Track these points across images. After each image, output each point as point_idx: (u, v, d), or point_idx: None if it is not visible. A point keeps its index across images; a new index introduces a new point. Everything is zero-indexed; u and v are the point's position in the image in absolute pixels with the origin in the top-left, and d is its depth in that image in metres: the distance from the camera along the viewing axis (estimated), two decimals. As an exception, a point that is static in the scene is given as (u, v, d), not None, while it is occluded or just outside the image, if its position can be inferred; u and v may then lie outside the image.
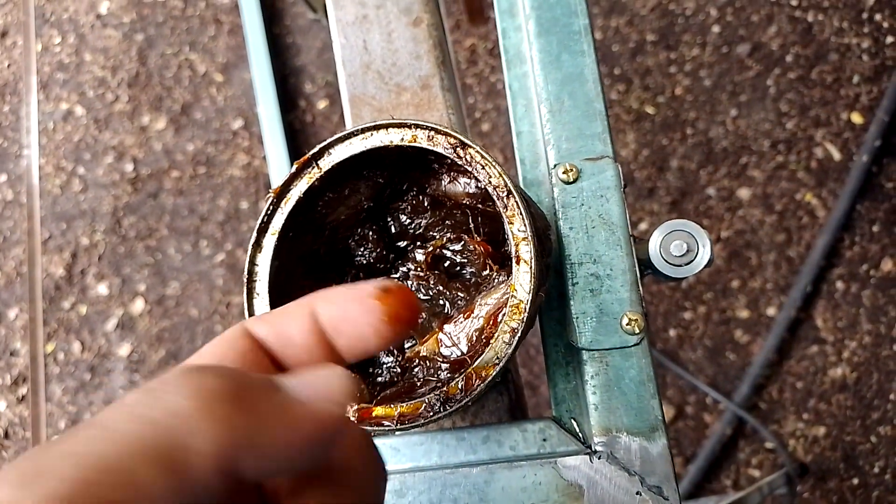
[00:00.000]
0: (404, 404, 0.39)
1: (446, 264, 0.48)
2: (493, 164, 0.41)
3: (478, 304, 0.44)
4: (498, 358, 0.39)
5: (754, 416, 1.52)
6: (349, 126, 0.45)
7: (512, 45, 0.54)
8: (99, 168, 2.00)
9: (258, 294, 0.44)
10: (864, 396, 1.50)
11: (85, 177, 2.00)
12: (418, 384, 0.43)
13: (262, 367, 0.30)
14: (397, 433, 0.48)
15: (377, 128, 0.44)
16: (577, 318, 0.43)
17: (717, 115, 1.71)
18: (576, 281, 0.44)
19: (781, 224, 1.61)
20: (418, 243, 0.49)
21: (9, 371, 1.90)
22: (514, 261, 0.40)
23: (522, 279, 0.39)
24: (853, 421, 1.49)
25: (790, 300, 1.55)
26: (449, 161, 0.45)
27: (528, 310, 0.39)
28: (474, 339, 0.43)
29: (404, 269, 0.48)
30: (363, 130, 0.44)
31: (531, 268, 0.39)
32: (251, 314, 0.43)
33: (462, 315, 0.44)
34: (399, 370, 0.44)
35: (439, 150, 0.42)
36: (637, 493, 0.41)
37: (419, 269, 0.48)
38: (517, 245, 0.40)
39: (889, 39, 1.67)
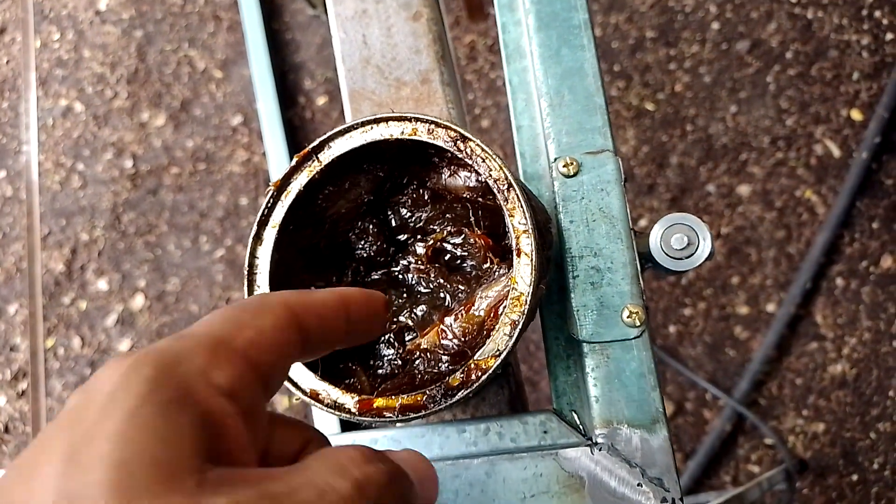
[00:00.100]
0: (405, 396, 0.40)
1: (447, 257, 0.48)
2: (494, 157, 0.41)
3: (478, 296, 0.44)
4: (499, 350, 0.39)
5: (754, 412, 1.52)
6: (349, 121, 0.45)
7: (512, 39, 0.54)
8: (98, 164, 2.00)
9: (258, 287, 0.44)
10: (863, 393, 1.50)
11: (84, 173, 2.00)
12: (419, 376, 0.43)
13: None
14: (398, 425, 0.48)
15: (377, 121, 0.44)
16: (578, 310, 0.44)
17: (717, 111, 1.71)
18: (576, 274, 0.44)
19: (781, 221, 1.62)
20: (419, 237, 0.49)
21: (9, 366, 1.90)
22: (514, 253, 0.40)
23: (523, 272, 0.40)
24: (852, 417, 1.49)
25: (790, 297, 1.55)
26: (449, 155, 0.45)
27: (529, 302, 0.39)
28: (475, 331, 0.43)
29: (404, 262, 0.48)
30: (363, 124, 0.44)
31: (532, 260, 0.39)
32: None
33: (463, 308, 0.44)
34: (400, 362, 0.45)
35: (439, 143, 0.42)
36: (638, 485, 0.41)
37: (419, 262, 0.48)
38: (518, 238, 0.40)
39: (889, 36, 1.67)
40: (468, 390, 0.39)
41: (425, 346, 0.44)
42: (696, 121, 1.71)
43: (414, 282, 0.47)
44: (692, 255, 0.45)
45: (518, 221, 0.40)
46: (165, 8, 2.10)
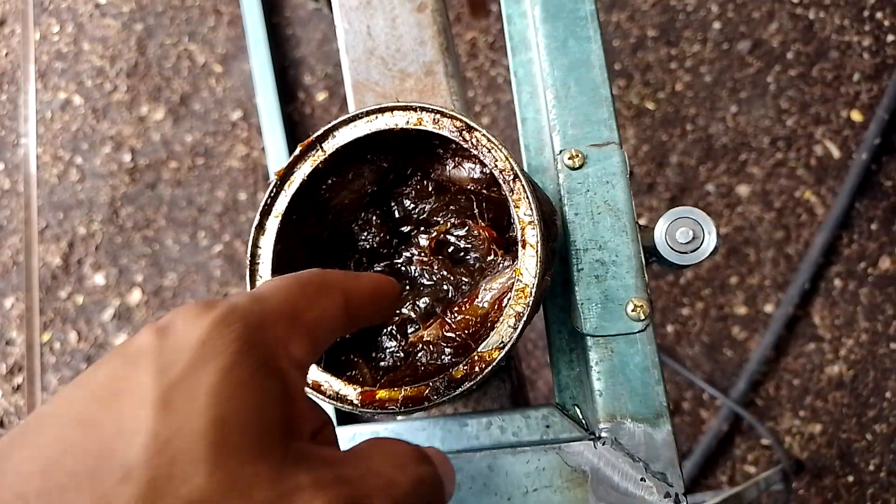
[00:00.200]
0: (409, 388, 0.39)
1: (450, 249, 0.47)
2: (500, 147, 0.41)
3: (482, 288, 0.44)
4: (503, 342, 0.39)
5: (751, 412, 1.52)
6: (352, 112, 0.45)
7: (517, 31, 0.54)
8: (97, 158, 1.99)
9: (261, 277, 0.44)
10: (860, 394, 1.50)
11: (82, 167, 1.99)
12: (422, 369, 0.43)
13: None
14: (399, 417, 0.48)
15: (382, 111, 0.44)
16: (582, 304, 0.43)
17: (718, 111, 1.71)
18: (581, 267, 0.44)
19: (780, 221, 1.61)
20: (422, 228, 0.48)
21: (4, 360, 1.89)
22: (520, 245, 0.40)
23: (528, 263, 0.39)
24: (849, 418, 1.49)
25: (788, 297, 1.55)
26: (454, 146, 0.45)
27: (533, 294, 0.38)
28: (478, 323, 0.43)
29: (408, 254, 0.48)
30: (368, 113, 0.44)
31: (537, 252, 0.39)
32: None
33: (466, 300, 0.44)
34: (402, 355, 0.44)
35: (445, 133, 0.42)
36: (641, 480, 0.41)
37: (423, 254, 0.47)
38: (523, 229, 0.40)
39: (890, 38, 1.67)
40: (472, 382, 0.38)
41: (428, 339, 0.44)
42: (696, 120, 1.71)
43: (417, 274, 0.47)
44: (697, 248, 0.45)
45: (524, 213, 0.40)
46: (166, 1, 2.09)
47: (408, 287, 0.47)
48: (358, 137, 0.44)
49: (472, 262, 0.47)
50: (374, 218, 0.48)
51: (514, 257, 0.43)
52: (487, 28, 1.87)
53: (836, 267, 1.57)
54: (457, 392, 0.39)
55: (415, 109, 0.43)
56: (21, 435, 0.23)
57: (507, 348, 0.38)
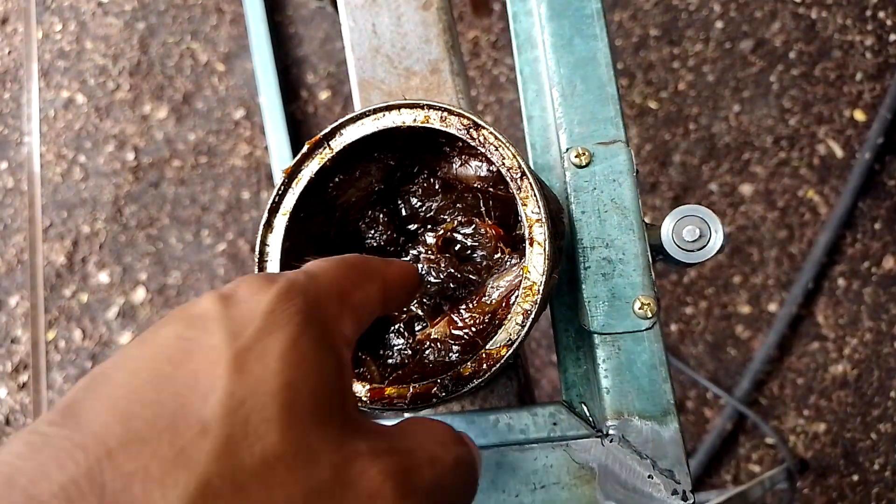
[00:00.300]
0: (417, 385, 0.39)
1: (457, 247, 0.47)
2: (507, 145, 0.41)
3: (489, 286, 0.44)
4: (511, 339, 0.39)
5: (755, 411, 1.52)
6: (358, 110, 0.45)
7: (523, 29, 0.54)
8: (100, 156, 1.99)
9: (269, 274, 0.44)
10: (864, 393, 1.50)
11: (86, 165, 1.99)
12: (429, 366, 0.43)
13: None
14: (407, 414, 0.48)
15: (389, 108, 0.44)
16: (590, 301, 0.43)
17: (720, 110, 1.71)
18: (588, 265, 0.44)
19: (783, 220, 1.61)
20: (429, 226, 0.48)
21: (10, 358, 1.90)
22: (527, 243, 0.40)
23: (536, 261, 0.39)
24: (853, 418, 1.49)
25: (791, 296, 1.55)
26: (460, 144, 0.45)
27: (541, 291, 0.39)
28: (486, 321, 0.43)
29: (415, 252, 0.48)
30: (375, 111, 0.44)
31: (545, 249, 0.39)
32: None
33: (474, 298, 0.44)
34: (410, 352, 0.44)
35: (452, 131, 0.42)
36: (649, 477, 0.41)
37: (430, 252, 0.47)
38: (531, 227, 0.40)
39: (892, 37, 1.67)
40: (480, 379, 0.39)
41: (436, 336, 0.44)
42: (699, 120, 1.71)
43: (424, 272, 0.47)
44: (704, 247, 0.45)
45: (531, 210, 0.40)
46: (168, 0, 2.09)
47: None
48: (365, 135, 0.44)
49: (479, 259, 0.47)
50: (381, 216, 0.48)
51: (522, 255, 0.43)
52: (490, 27, 1.87)
53: (840, 266, 1.57)
54: (465, 389, 0.39)
55: (422, 107, 0.43)
56: (92, 388, 0.24)
57: (515, 346, 0.38)
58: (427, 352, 0.43)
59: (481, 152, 0.42)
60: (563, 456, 0.42)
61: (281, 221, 0.44)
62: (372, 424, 0.28)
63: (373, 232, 0.48)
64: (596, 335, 0.43)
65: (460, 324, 0.43)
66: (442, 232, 0.47)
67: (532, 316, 0.39)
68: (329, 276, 0.31)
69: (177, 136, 1.97)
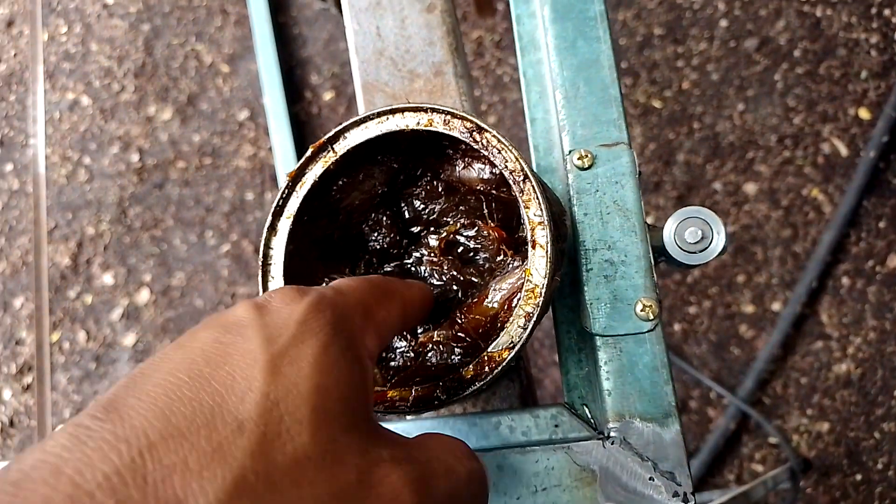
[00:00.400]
0: (419, 387, 0.40)
1: (460, 250, 0.47)
2: (510, 148, 0.41)
3: (492, 289, 0.44)
4: (513, 342, 0.39)
5: (758, 411, 1.52)
6: (362, 113, 0.45)
7: (526, 31, 0.54)
8: (105, 158, 2.00)
9: (273, 277, 0.44)
10: (868, 393, 1.50)
11: (91, 167, 2.00)
12: (432, 369, 0.43)
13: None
14: (409, 417, 0.48)
15: (393, 112, 0.44)
16: (591, 304, 0.43)
17: (724, 109, 1.70)
18: (590, 267, 0.44)
19: (787, 219, 1.61)
20: (432, 229, 0.49)
21: (14, 360, 1.90)
22: (529, 245, 0.40)
23: (538, 264, 0.39)
24: (857, 417, 1.49)
25: (795, 295, 1.55)
26: (463, 147, 0.45)
27: (543, 294, 0.39)
28: (488, 324, 0.43)
29: (417, 254, 0.48)
30: (379, 114, 0.44)
31: (547, 252, 0.39)
32: None
33: (476, 300, 0.44)
34: (412, 355, 0.44)
35: (455, 134, 0.42)
36: (650, 479, 0.41)
37: (433, 254, 0.48)
38: (533, 230, 0.40)
39: (897, 35, 1.66)
40: (482, 382, 0.39)
41: (438, 339, 0.44)
42: (703, 118, 1.71)
43: (427, 274, 0.47)
44: (706, 248, 0.45)
45: (533, 213, 0.40)
46: (173, 2, 2.10)
47: None
48: (369, 139, 0.44)
49: (481, 262, 0.47)
50: (385, 218, 0.49)
51: (524, 258, 0.44)
52: (494, 27, 1.87)
53: (844, 265, 1.56)
54: (467, 392, 0.39)
55: (425, 111, 0.43)
56: (132, 386, 0.25)
57: (517, 348, 0.39)
58: (429, 354, 0.43)
59: (484, 155, 0.42)
60: (565, 458, 0.43)
61: (285, 225, 0.44)
62: (392, 434, 0.30)
63: (376, 235, 0.48)
64: (598, 337, 0.43)
65: (463, 326, 0.43)
66: (445, 234, 0.47)
67: (534, 319, 0.39)
68: (355, 293, 0.33)
69: (181, 137, 1.97)
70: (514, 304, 0.41)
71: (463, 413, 0.49)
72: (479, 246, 0.47)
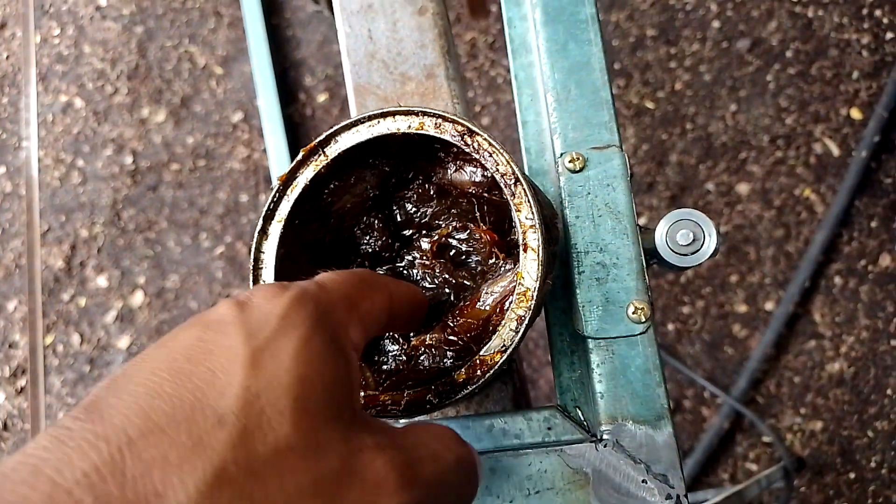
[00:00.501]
0: (411, 391, 0.40)
1: (452, 253, 0.47)
2: (501, 151, 0.41)
3: (484, 292, 0.44)
4: (505, 345, 0.39)
5: (752, 410, 1.53)
6: (353, 116, 0.45)
7: (517, 34, 0.54)
8: (98, 160, 1.99)
9: (264, 281, 0.44)
10: (861, 391, 1.50)
11: (84, 169, 2.00)
12: (424, 372, 0.43)
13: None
14: (401, 421, 0.48)
15: (384, 115, 0.44)
16: (584, 306, 0.44)
17: (717, 110, 1.71)
18: (582, 270, 0.44)
19: (780, 219, 1.62)
20: (424, 232, 0.49)
21: (8, 363, 1.90)
22: (521, 248, 0.40)
23: (530, 267, 0.39)
24: (850, 416, 1.49)
25: (788, 295, 1.55)
26: (455, 150, 0.45)
27: (535, 297, 0.39)
28: (480, 327, 0.43)
29: (409, 257, 0.48)
30: (370, 118, 0.44)
31: (539, 255, 0.39)
32: None
33: (468, 303, 0.44)
34: (404, 358, 0.44)
35: (446, 137, 0.42)
36: (643, 482, 0.41)
37: (424, 257, 0.47)
38: (525, 233, 0.40)
39: (889, 35, 1.67)
40: (474, 385, 0.39)
41: (430, 342, 0.44)
42: (695, 119, 1.71)
43: (419, 277, 0.47)
44: (697, 250, 0.45)
45: (525, 216, 0.40)
46: (166, 4, 2.09)
47: None
48: (360, 142, 0.44)
49: (473, 265, 0.47)
50: (377, 222, 0.48)
51: (516, 260, 0.44)
52: (487, 28, 1.87)
53: (837, 264, 1.57)
54: (459, 395, 0.39)
55: (416, 114, 0.43)
56: (113, 386, 0.25)
57: (508, 352, 0.39)
58: (422, 357, 0.43)
59: (476, 158, 0.42)
60: (558, 461, 0.43)
61: (276, 228, 0.44)
62: (378, 422, 0.30)
63: (368, 238, 0.48)
64: (590, 340, 0.43)
65: (455, 329, 0.43)
66: (437, 237, 0.47)
67: (526, 322, 0.39)
68: (339, 286, 0.33)
69: (175, 139, 1.97)
70: (506, 308, 0.41)
71: (455, 416, 0.49)
72: (471, 249, 0.47)
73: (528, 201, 0.40)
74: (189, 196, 1.92)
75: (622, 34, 1.80)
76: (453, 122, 0.42)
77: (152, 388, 0.25)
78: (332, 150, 0.44)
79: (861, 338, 1.53)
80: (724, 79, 1.72)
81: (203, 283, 1.85)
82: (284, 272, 0.44)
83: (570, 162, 0.46)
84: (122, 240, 1.92)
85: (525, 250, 0.40)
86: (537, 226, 0.39)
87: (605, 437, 0.42)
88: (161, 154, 1.96)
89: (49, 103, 2.07)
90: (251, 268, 0.44)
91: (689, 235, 0.45)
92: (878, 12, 1.68)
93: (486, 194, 0.47)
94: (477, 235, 0.46)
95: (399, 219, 0.49)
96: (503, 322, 0.39)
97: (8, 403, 1.87)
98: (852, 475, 1.46)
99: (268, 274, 0.44)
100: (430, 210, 0.48)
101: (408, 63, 0.56)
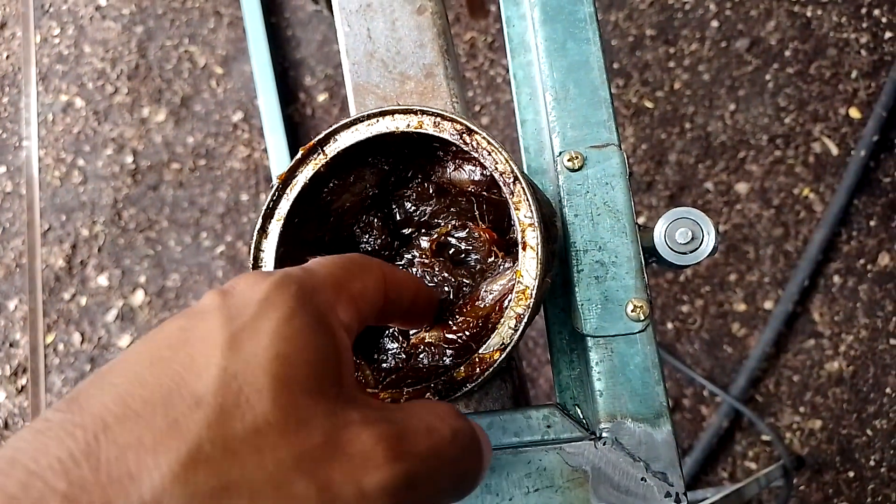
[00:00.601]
0: (411, 389, 0.40)
1: (451, 251, 0.48)
2: (500, 150, 0.41)
3: (483, 290, 0.44)
4: (504, 343, 0.39)
5: (751, 408, 1.53)
6: (353, 115, 0.45)
7: (516, 33, 0.54)
8: (99, 160, 1.99)
9: (264, 280, 0.44)
10: (860, 390, 1.51)
11: (84, 168, 2.00)
12: (423, 370, 0.43)
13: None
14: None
15: (383, 114, 0.44)
16: (583, 304, 0.44)
17: (716, 109, 1.71)
18: (581, 268, 0.44)
19: (779, 218, 1.62)
20: (423, 230, 0.49)
21: (8, 362, 1.90)
22: (520, 247, 0.40)
23: (529, 265, 0.40)
24: (849, 414, 1.50)
25: (787, 294, 1.56)
26: (454, 148, 0.45)
27: (534, 295, 0.39)
28: (480, 325, 0.43)
29: (409, 256, 0.48)
30: (369, 117, 0.44)
31: (538, 254, 0.39)
32: None
33: (467, 302, 0.44)
34: (404, 356, 0.45)
35: (445, 136, 0.42)
36: (642, 479, 0.41)
37: (424, 256, 0.48)
38: (523, 231, 0.40)
39: (887, 35, 1.67)
40: (473, 384, 0.39)
41: (429, 340, 0.44)
42: (694, 119, 1.71)
43: (418, 276, 0.47)
44: (696, 249, 0.46)
45: (524, 215, 0.40)
46: (166, 3, 2.09)
47: None
48: (359, 141, 0.44)
49: (472, 263, 0.47)
50: (376, 220, 0.49)
51: (515, 259, 0.44)
52: (486, 28, 1.87)
53: (836, 263, 1.57)
54: (458, 393, 0.39)
55: (415, 113, 0.43)
56: (97, 378, 0.26)
57: (507, 349, 0.39)
58: (421, 356, 0.44)
59: (475, 157, 0.42)
60: (557, 459, 0.43)
61: (275, 227, 0.44)
62: (370, 399, 0.30)
63: (367, 237, 0.49)
64: (589, 338, 0.44)
65: (454, 328, 0.43)
66: (436, 236, 0.48)
67: (525, 320, 0.39)
68: (325, 269, 0.32)
69: (175, 139, 1.97)
70: (505, 306, 0.41)
71: (455, 414, 0.49)
72: (471, 247, 0.47)
73: (527, 200, 0.40)
74: (189, 195, 1.92)
75: (621, 34, 1.80)
76: (452, 120, 0.42)
77: (132, 378, 0.25)
78: (332, 149, 0.44)
79: (860, 337, 1.53)
80: (723, 78, 1.72)
81: (204, 283, 1.85)
82: (284, 271, 0.44)
83: (568, 160, 0.46)
84: (123, 239, 1.92)
85: (524, 249, 0.40)
86: (536, 224, 0.39)
87: (604, 435, 0.42)
88: (161, 153, 1.96)
89: (49, 103, 2.07)
90: (251, 267, 0.44)
91: (687, 234, 0.45)
92: (876, 12, 1.68)
93: (485, 193, 0.47)
94: (476, 234, 0.47)
95: (398, 217, 0.49)
96: (502, 320, 0.40)
97: (9, 402, 1.87)
98: (851, 474, 1.46)
99: (268, 273, 0.44)
100: (429, 209, 0.49)
101: (407, 62, 0.56)
